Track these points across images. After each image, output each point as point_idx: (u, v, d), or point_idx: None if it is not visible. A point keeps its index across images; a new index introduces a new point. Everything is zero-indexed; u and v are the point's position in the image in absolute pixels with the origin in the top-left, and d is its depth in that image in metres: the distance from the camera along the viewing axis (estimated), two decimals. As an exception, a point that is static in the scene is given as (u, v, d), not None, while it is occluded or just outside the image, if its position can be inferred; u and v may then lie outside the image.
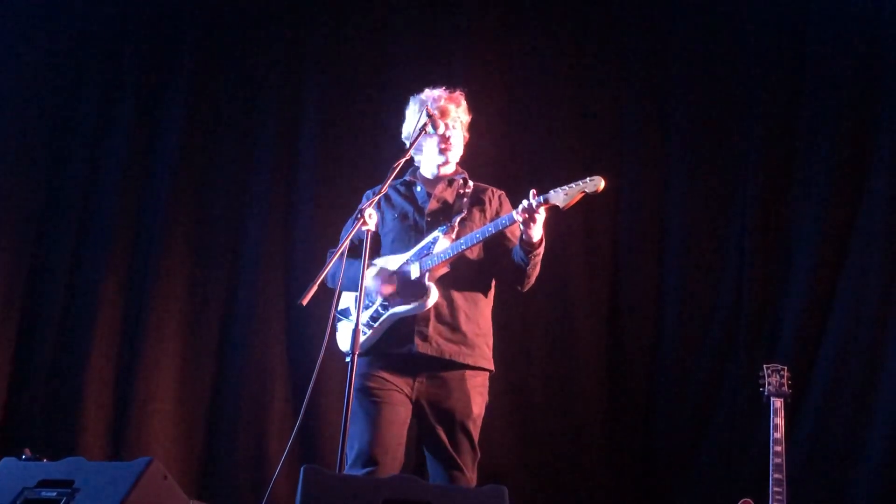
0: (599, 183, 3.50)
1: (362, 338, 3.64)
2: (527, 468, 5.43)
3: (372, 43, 5.99)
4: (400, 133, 4.03)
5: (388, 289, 3.72)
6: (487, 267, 3.84)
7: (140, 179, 5.80)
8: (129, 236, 5.72)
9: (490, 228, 3.63)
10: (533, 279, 3.79)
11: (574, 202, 3.52)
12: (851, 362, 5.03)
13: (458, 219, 3.77)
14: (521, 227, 3.58)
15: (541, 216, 3.54)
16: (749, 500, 4.50)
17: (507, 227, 3.65)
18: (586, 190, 3.50)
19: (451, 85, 4.01)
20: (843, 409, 5.01)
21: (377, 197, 3.60)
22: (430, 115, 3.77)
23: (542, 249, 3.67)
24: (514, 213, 3.56)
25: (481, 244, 3.73)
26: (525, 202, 3.53)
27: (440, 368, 3.68)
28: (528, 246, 3.62)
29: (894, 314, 4.99)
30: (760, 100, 5.54)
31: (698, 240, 5.56)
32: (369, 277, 3.69)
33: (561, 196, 3.51)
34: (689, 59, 5.75)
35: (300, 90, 5.98)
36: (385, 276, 3.73)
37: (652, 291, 5.61)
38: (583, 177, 3.55)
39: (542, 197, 3.52)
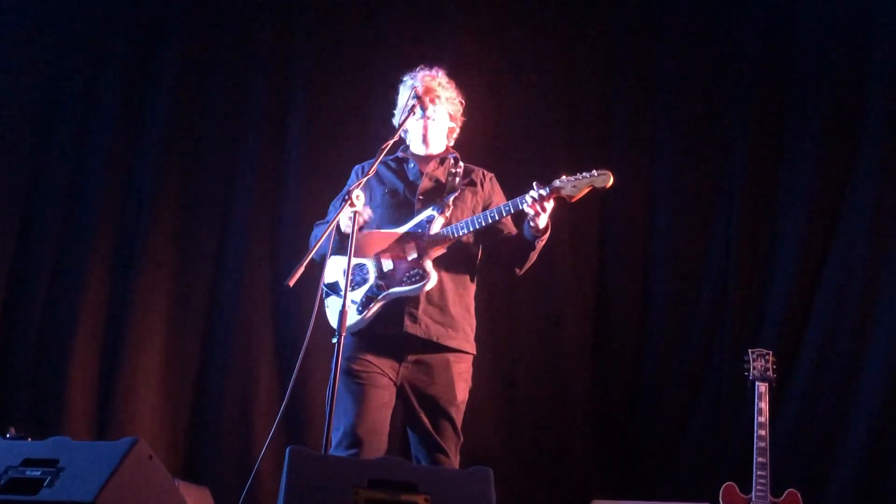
0: (608, 179, 3.48)
1: (355, 318, 3.65)
2: (512, 451, 5.45)
3: (361, 22, 5.96)
4: (392, 115, 4.03)
5: (384, 256, 3.70)
6: (476, 253, 3.85)
7: (126, 159, 5.76)
8: (115, 216, 5.69)
9: (494, 215, 3.63)
10: (532, 262, 3.80)
11: (581, 195, 3.51)
12: (836, 347, 5.06)
13: (451, 198, 3.76)
14: (530, 216, 3.58)
15: (549, 206, 3.54)
16: (733, 483, 4.52)
17: (511, 214, 3.65)
18: (595, 184, 3.49)
19: (440, 58, 4.00)
20: (828, 393, 5.04)
21: (365, 178, 3.59)
22: (417, 97, 3.77)
23: (547, 235, 3.68)
24: (523, 204, 3.55)
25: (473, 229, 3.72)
26: (534, 192, 3.51)
27: (426, 351, 3.68)
28: (536, 231, 3.63)
29: (879, 299, 5.02)
30: (749, 88, 5.55)
31: (685, 225, 5.57)
32: (362, 243, 3.67)
33: (569, 187, 3.50)
34: (679, 46, 5.75)
35: (289, 67, 5.95)
36: (380, 241, 3.72)
37: (638, 276, 5.63)
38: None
39: (549, 187, 3.51)
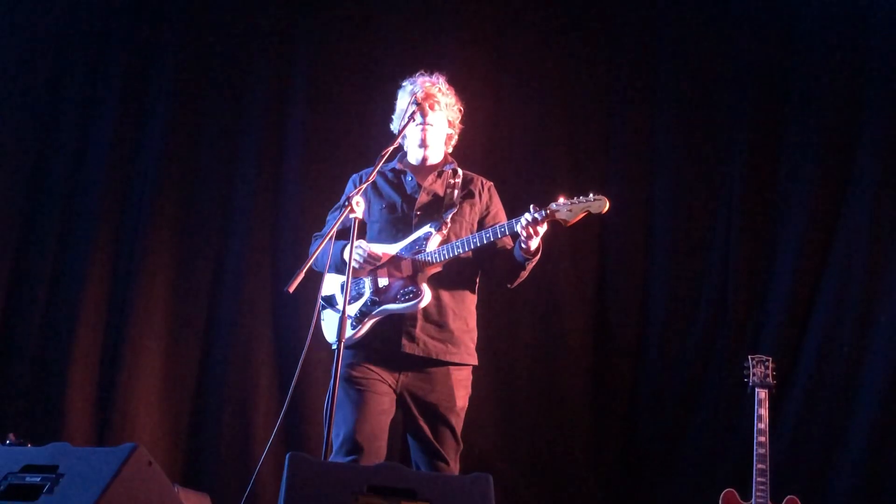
0: (604, 205, 3.48)
1: (349, 333, 3.64)
2: (512, 459, 5.45)
3: (361, 28, 5.97)
4: (391, 120, 4.02)
5: (381, 272, 3.70)
6: (474, 264, 3.84)
7: (126, 162, 5.76)
8: (115, 221, 5.69)
9: (489, 235, 3.60)
10: (522, 280, 3.79)
11: (577, 220, 3.50)
12: (835, 354, 5.06)
13: (449, 215, 3.75)
14: (522, 238, 3.56)
15: (542, 230, 3.54)
16: (732, 489, 4.52)
17: (506, 235, 3.63)
18: (590, 209, 3.48)
19: (439, 64, 4.00)
20: (827, 399, 5.04)
21: (365, 185, 3.59)
22: (417, 104, 3.76)
23: (538, 258, 3.67)
24: (517, 226, 3.54)
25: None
26: (528, 216, 3.50)
27: (425, 365, 3.68)
28: (526, 253, 3.62)
29: (878, 306, 5.02)
30: (748, 91, 5.56)
31: (684, 231, 5.58)
32: (357, 253, 3.65)
33: (564, 211, 3.49)
34: (678, 50, 5.76)
35: (288, 73, 5.96)
36: (375, 257, 3.71)
37: (638, 283, 5.63)
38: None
39: (545, 210, 3.50)
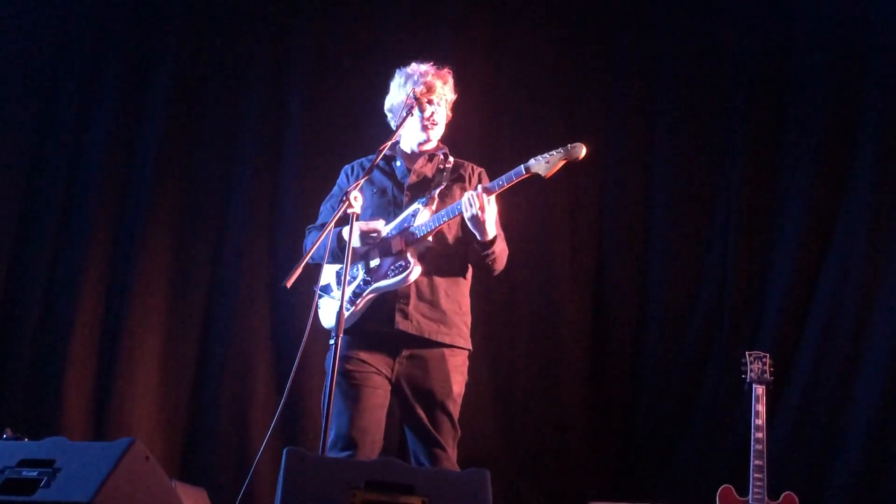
0: (581, 150, 3.45)
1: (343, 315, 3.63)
2: (509, 454, 5.45)
3: (359, 16, 5.96)
4: (383, 104, 4.00)
5: (372, 253, 3.70)
6: (465, 245, 3.80)
7: (125, 155, 5.76)
8: (113, 216, 5.69)
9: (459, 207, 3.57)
10: (499, 267, 3.74)
11: (556, 170, 3.46)
12: (833, 350, 5.06)
13: (437, 191, 3.74)
14: (470, 224, 3.52)
15: (491, 209, 3.49)
16: (730, 486, 4.52)
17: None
18: (568, 158, 3.46)
19: (436, 57, 3.98)
20: (825, 396, 5.04)
21: (362, 180, 3.57)
22: (416, 98, 3.75)
23: (496, 248, 3.62)
24: (497, 186, 3.51)
25: (459, 223, 3.71)
26: (471, 191, 3.48)
27: (420, 346, 3.66)
28: (480, 246, 3.59)
29: (877, 301, 5.02)
30: (747, 85, 5.56)
31: (683, 227, 5.57)
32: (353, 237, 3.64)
33: (542, 164, 3.46)
34: (677, 40, 5.74)
35: (286, 67, 5.95)
36: (366, 237, 3.70)
37: (636, 277, 5.63)
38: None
39: (523, 168, 3.49)
